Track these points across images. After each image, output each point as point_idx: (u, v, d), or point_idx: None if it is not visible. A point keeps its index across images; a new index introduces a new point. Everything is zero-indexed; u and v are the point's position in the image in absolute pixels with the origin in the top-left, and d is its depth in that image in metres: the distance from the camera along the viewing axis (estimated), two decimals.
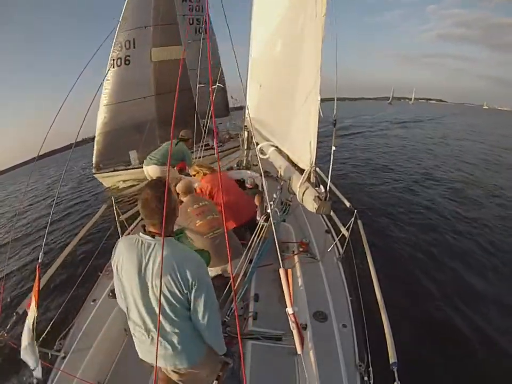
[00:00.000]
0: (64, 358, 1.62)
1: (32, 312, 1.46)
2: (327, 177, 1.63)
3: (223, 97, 12.52)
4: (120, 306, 1.24)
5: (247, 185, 3.54)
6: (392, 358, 1.34)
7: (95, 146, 8.83)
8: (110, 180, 9.10)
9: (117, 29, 8.20)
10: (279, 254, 1.23)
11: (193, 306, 1.10)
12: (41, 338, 1.67)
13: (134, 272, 1.08)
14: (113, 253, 1.18)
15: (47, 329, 1.86)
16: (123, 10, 8.31)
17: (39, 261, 1.61)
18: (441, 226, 5.22)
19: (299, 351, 1.28)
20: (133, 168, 8.69)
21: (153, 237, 1.08)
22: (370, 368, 1.51)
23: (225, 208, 2.60)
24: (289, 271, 1.43)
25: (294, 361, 1.66)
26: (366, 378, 1.47)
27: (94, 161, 8.91)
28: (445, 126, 25.02)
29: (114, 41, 8.27)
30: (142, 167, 3.78)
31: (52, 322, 1.85)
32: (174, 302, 1.07)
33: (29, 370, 1.51)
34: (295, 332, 1.28)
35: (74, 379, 1.48)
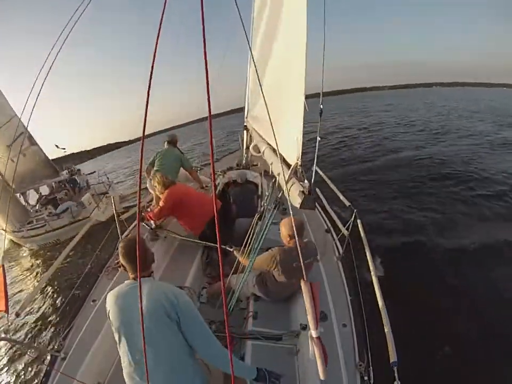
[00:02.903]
0: (64, 358, 1.61)
1: None
2: (317, 172, 1.62)
3: (32, 156, 8.97)
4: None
5: None
6: (392, 358, 1.34)
7: None
8: None
9: None
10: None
11: (189, 337, 1.14)
12: (41, 339, 1.67)
13: (120, 312, 1.19)
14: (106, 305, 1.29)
15: (47, 330, 1.86)
16: None
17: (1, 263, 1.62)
18: (442, 226, 5.22)
19: (322, 377, 1.11)
20: None
21: (134, 279, 1.24)
22: (370, 368, 1.51)
23: (184, 219, 2.75)
24: (315, 285, 1.13)
25: (294, 361, 1.66)
26: (366, 377, 1.47)
27: None
28: None
29: None
30: None
31: (52, 323, 1.85)
32: (164, 332, 1.11)
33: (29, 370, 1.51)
34: (319, 359, 1.09)
35: (74, 380, 1.48)
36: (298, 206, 1.52)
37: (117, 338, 1.19)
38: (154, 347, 1.09)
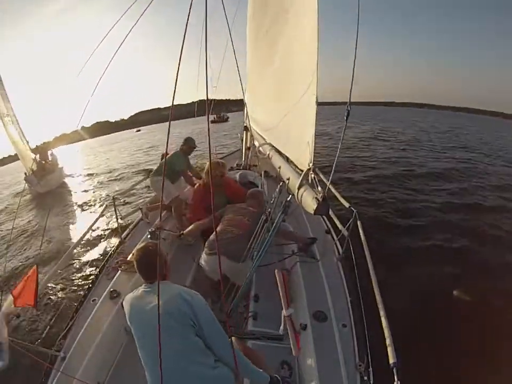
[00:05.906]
0: (64, 358, 1.61)
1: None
2: (327, 178, 1.59)
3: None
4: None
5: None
6: (392, 358, 1.34)
7: None
8: None
9: None
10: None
11: (206, 338, 1.16)
12: (41, 338, 1.67)
13: (135, 316, 1.23)
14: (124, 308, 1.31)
15: (47, 329, 1.86)
16: None
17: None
18: (441, 228, 5.22)
19: (295, 353, 1.32)
20: None
21: (151, 283, 1.29)
22: (370, 368, 1.51)
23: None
24: (284, 273, 1.45)
25: (294, 361, 1.66)
26: (366, 378, 1.47)
27: None
28: None
29: None
30: None
31: (52, 322, 1.85)
32: (181, 332, 1.12)
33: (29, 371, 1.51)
34: (290, 334, 1.30)
35: (74, 379, 1.48)
36: (312, 212, 1.52)
37: (136, 341, 1.21)
38: (172, 348, 1.09)
